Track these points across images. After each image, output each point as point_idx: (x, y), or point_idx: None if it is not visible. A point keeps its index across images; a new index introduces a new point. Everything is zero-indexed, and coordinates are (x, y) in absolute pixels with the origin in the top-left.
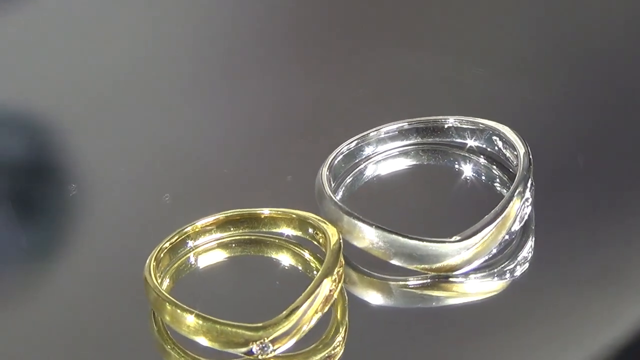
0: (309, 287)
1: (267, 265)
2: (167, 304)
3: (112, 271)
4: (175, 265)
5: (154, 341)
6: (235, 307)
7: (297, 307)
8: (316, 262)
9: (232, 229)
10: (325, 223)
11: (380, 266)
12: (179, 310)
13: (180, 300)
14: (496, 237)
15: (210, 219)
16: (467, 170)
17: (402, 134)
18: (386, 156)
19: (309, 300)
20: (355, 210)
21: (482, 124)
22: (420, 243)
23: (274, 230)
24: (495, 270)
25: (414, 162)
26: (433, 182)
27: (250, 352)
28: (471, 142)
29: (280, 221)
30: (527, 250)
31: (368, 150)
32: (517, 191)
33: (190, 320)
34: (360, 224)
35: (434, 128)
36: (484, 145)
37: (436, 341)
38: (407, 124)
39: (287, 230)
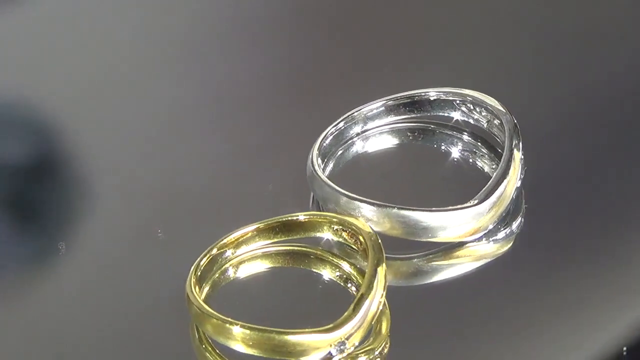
0: (366, 277)
1: (304, 276)
2: (213, 319)
3: (152, 280)
4: (214, 277)
5: (196, 350)
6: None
7: (363, 298)
8: (356, 275)
9: (268, 238)
10: (351, 217)
11: (394, 246)
12: (227, 325)
13: (221, 313)
14: (509, 193)
15: (246, 230)
16: (456, 145)
17: (388, 110)
18: (375, 133)
19: (372, 291)
20: (351, 191)
21: (468, 95)
22: (444, 213)
23: (311, 233)
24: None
25: (402, 140)
26: (422, 159)
27: (329, 355)
28: (458, 116)
29: (315, 224)
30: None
31: (356, 129)
32: (514, 143)
33: (238, 331)
34: (367, 205)
35: (420, 102)
36: (470, 118)
37: (482, 307)
38: (392, 100)
39: (324, 232)
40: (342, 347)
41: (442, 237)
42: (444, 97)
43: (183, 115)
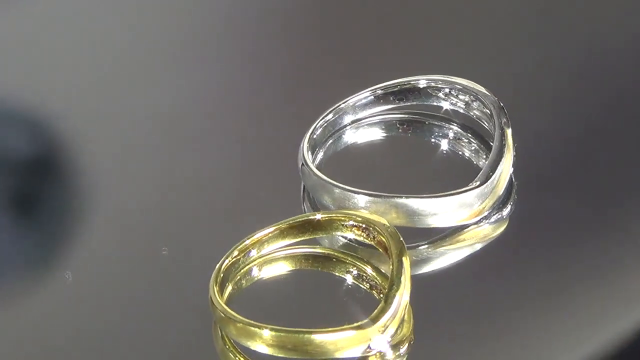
0: (393, 269)
1: (323, 277)
2: (238, 323)
3: (175, 278)
4: (236, 279)
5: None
6: (291, 319)
7: (394, 289)
8: (378, 277)
9: (289, 238)
10: (364, 212)
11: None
12: (253, 328)
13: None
14: (508, 171)
15: (266, 231)
16: (446, 136)
17: (377, 99)
18: (364, 124)
19: (401, 281)
20: (343, 182)
21: (457, 83)
22: (450, 197)
23: (331, 232)
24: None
25: (392, 131)
26: (412, 150)
27: (368, 349)
28: (448, 105)
29: (333, 222)
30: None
31: (346, 120)
32: (503, 121)
33: (267, 334)
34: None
35: (409, 90)
36: (460, 106)
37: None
38: (380, 89)
39: (344, 231)
40: (380, 339)
41: (447, 222)
42: (433, 84)
43: (176, 114)
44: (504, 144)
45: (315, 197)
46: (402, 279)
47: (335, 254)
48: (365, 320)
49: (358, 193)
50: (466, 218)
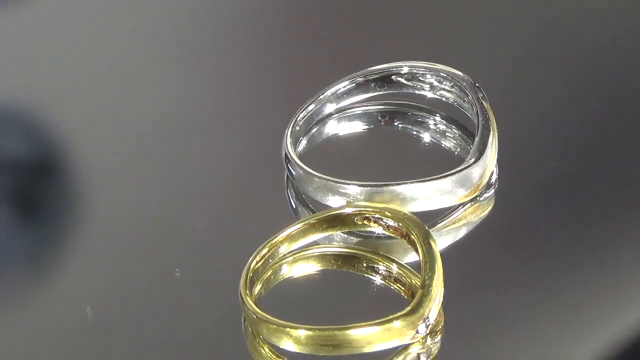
0: (424, 253)
1: (352, 277)
2: (270, 324)
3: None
4: (265, 276)
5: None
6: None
7: (430, 272)
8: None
9: (318, 232)
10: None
11: None
12: (287, 329)
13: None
14: (496, 143)
15: (294, 228)
16: (428, 126)
17: (358, 87)
18: (346, 114)
19: (435, 263)
20: (326, 173)
21: (441, 70)
22: (453, 176)
23: (358, 226)
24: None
25: (373, 122)
26: (396, 140)
27: (417, 333)
28: (430, 95)
29: (357, 216)
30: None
31: (329, 109)
32: (480, 96)
33: (302, 334)
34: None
35: (390, 77)
36: (442, 93)
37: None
38: (361, 77)
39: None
40: (427, 323)
41: (449, 202)
42: (415, 71)
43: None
44: (488, 117)
45: (300, 188)
46: (436, 262)
47: (360, 252)
48: (409, 308)
49: (346, 184)
50: (463, 197)
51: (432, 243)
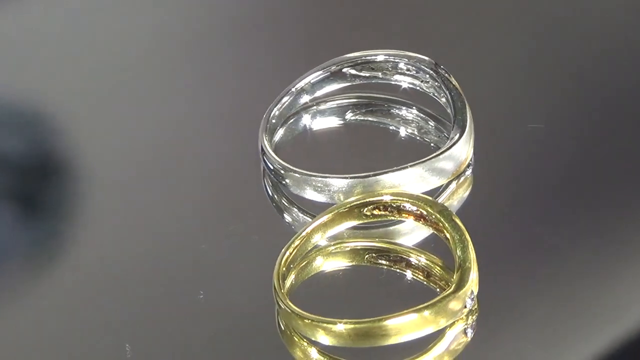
0: (452, 231)
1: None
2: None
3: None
4: (299, 267)
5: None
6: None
7: (464, 247)
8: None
9: (351, 220)
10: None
11: None
12: (328, 324)
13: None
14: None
15: (325, 217)
16: (403, 117)
17: (333, 75)
18: (321, 105)
19: (467, 237)
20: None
21: (414, 57)
22: (442, 155)
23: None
24: None
25: (348, 113)
26: (371, 131)
27: (465, 307)
28: (406, 84)
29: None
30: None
31: (305, 99)
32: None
33: (341, 328)
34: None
35: (366, 63)
36: (418, 82)
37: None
38: (335, 65)
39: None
40: (471, 297)
41: (441, 181)
42: (390, 58)
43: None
44: (459, 92)
45: (276, 180)
46: (466, 236)
47: (388, 245)
48: (454, 286)
49: (326, 177)
50: (454, 173)
51: (457, 219)
